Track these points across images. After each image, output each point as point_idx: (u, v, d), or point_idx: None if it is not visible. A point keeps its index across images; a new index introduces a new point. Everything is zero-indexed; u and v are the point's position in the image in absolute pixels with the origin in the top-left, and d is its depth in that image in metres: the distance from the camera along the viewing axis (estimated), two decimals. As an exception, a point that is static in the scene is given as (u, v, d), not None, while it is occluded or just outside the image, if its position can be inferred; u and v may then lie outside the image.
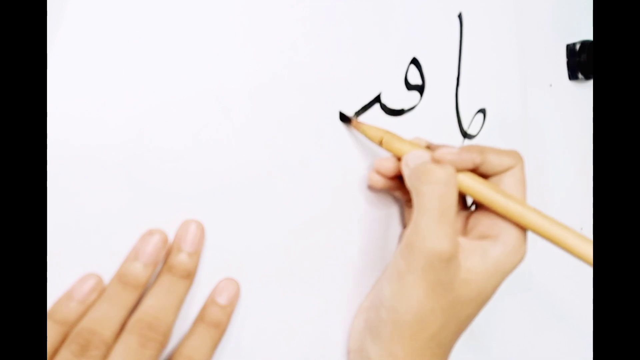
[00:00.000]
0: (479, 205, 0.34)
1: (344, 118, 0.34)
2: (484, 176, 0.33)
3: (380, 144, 0.34)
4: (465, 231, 0.34)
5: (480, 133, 0.43)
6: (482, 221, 0.33)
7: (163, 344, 0.26)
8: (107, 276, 0.27)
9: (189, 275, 0.28)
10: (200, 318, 0.29)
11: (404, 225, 0.38)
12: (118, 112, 0.27)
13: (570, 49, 0.53)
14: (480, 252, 0.31)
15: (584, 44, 0.52)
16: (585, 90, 0.53)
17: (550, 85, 0.50)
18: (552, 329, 0.48)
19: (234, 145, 0.30)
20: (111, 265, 0.27)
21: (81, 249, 0.26)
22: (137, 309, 0.27)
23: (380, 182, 0.35)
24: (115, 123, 0.27)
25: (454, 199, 0.30)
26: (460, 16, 0.41)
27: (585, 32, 0.54)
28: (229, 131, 0.30)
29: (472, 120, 0.42)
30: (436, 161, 0.31)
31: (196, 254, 0.28)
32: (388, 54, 0.37)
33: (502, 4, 0.45)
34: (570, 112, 0.51)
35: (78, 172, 0.26)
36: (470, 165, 0.32)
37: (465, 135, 0.42)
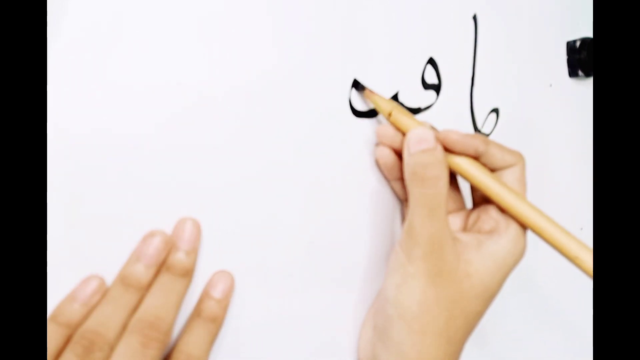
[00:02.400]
0: (477, 204, 0.35)
1: (357, 85, 0.35)
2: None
3: (389, 116, 0.34)
4: (465, 227, 0.35)
5: (494, 132, 0.43)
6: (481, 218, 0.34)
7: (165, 343, 0.27)
8: (108, 277, 0.27)
9: (187, 274, 0.28)
10: (197, 313, 0.29)
11: (404, 219, 0.38)
12: (118, 112, 0.27)
13: (570, 46, 0.52)
14: (477, 244, 0.32)
15: (584, 41, 0.52)
16: (585, 87, 0.53)
17: (551, 86, 0.49)
18: (551, 329, 0.48)
19: (234, 144, 0.30)
20: (112, 266, 0.27)
21: (82, 251, 0.26)
22: (137, 309, 0.27)
23: (385, 157, 0.34)
24: (115, 123, 0.27)
25: (443, 198, 0.31)
26: (475, 18, 0.42)
27: (585, 29, 0.54)
28: (231, 129, 0.30)
29: (485, 120, 0.43)
30: (439, 142, 0.31)
31: (193, 252, 0.28)
32: (406, 55, 0.38)
33: (511, 3, 0.46)
34: (570, 109, 0.51)
35: (78, 173, 0.26)
36: (473, 152, 0.32)
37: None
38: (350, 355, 0.35)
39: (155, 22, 0.28)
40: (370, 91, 0.34)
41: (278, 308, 0.32)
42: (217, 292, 0.29)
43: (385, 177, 0.36)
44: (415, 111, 0.38)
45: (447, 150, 0.32)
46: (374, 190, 0.36)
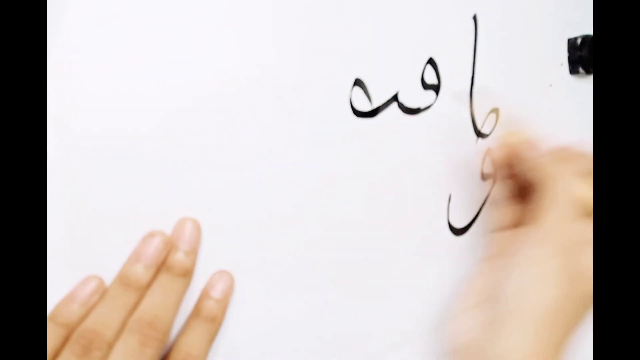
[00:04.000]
0: None
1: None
2: None
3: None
4: None
5: (494, 132, 0.43)
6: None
7: (163, 342, 0.27)
8: (108, 277, 0.27)
9: (187, 274, 0.28)
10: (196, 313, 0.29)
11: (508, 224, 0.36)
12: (118, 111, 0.27)
13: (571, 43, 0.52)
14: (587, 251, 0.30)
15: (585, 38, 0.52)
16: (586, 85, 0.53)
17: (551, 85, 0.49)
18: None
19: (234, 144, 0.30)
20: (112, 266, 0.27)
21: (82, 251, 0.26)
22: (137, 309, 0.27)
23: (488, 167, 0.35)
24: (115, 123, 0.27)
25: (589, 194, 0.30)
26: (475, 18, 0.42)
27: (586, 26, 0.54)
28: (230, 129, 0.30)
29: (485, 120, 0.42)
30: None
31: (193, 253, 0.28)
32: (405, 55, 0.37)
33: (511, 2, 0.45)
34: (571, 107, 0.51)
35: (78, 173, 0.26)
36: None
37: (479, 134, 0.42)
38: (350, 355, 0.35)
39: (156, 23, 0.28)
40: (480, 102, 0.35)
41: (278, 308, 0.32)
42: (217, 292, 0.29)
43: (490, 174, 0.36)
44: (415, 111, 0.38)
45: None
46: (374, 190, 0.36)
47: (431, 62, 0.39)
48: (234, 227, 0.30)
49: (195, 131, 0.29)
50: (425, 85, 0.39)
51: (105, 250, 0.27)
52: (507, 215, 0.36)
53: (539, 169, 0.32)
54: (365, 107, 0.35)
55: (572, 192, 0.30)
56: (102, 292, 0.26)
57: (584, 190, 0.31)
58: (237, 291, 0.30)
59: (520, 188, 0.35)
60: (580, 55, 0.52)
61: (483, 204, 0.36)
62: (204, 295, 0.29)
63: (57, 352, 0.25)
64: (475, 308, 0.33)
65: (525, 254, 0.30)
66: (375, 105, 0.36)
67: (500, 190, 0.36)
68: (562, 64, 0.51)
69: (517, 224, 0.35)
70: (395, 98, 0.37)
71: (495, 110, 0.43)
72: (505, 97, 0.44)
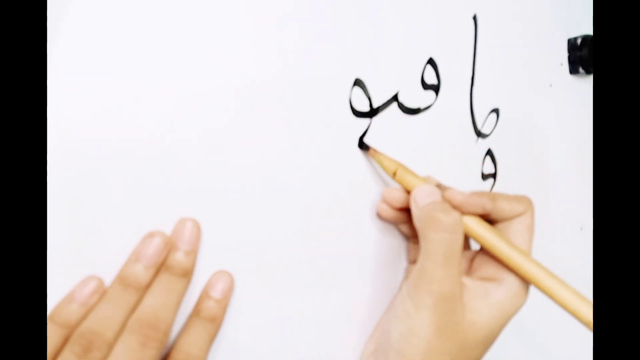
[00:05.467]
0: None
1: (362, 145, 0.35)
2: (493, 221, 0.33)
3: (394, 175, 0.34)
4: (470, 271, 0.35)
5: (494, 132, 0.43)
6: (487, 263, 0.33)
7: (163, 343, 0.27)
8: (108, 278, 0.27)
9: (187, 274, 0.28)
10: (196, 313, 0.29)
11: (410, 259, 0.38)
12: (117, 112, 0.27)
13: (571, 43, 0.52)
14: (484, 293, 0.32)
15: (585, 38, 0.52)
16: (586, 85, 0.53)
17: (551, 85, 0.49)
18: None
19: (234, 145, 0.30)
20: (112, 266, 0.27)
21: (82, 251, 0.26)
22: (136, 309, 0.27)
23: (388, 212, 0.35)
24: (115, 123, 0.27)
25: (459, 245, 0.31)
26: (474, 18, 0.42)
27: (586, 26, 0.54)
28: (231, 130, 0.30)
29: (485, 120, 0.42)
30: (446, 202, 0.32)
31: (193, 253, 0.28)
32: (405, 55, 0.38)
33: (511, 1, 0.46)
34: (571, 107, 0.51)
35: (78, 173, 0.26)
36: (480, 211, 0.32)
37: (479, 134, 0.42)
38: (350, 356, 0.35)
39: (157, 23, 0.28)
40: (375, 150, 0.35)
41: (278, 308, 0.32)
42: (216, 292, 0.29)
43: (390, 223, 0.36)
44: (415, 111, 0.38)
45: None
46: (373, 191, 0.36)
47: (431, 62, 0.39)
48: (234, 227, 0.30)
49: (195, 131, 0.29)
50: (425, 86, 0.39)
51: (105, 251, 0.27)
52: (412, 250, 0.37)
53: (416, 221, 0.32)
54: (365, 107, 0.35)
55: (442, 245, 0.30)
56: (102, 293, 0.26)
57: (468, 229, 0.32)
58: (237, 291, 0.30)
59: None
60: (580, 55, 0.52)
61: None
62: (204, 295, 0.29)
63: (57, 353, 0.25)
64: (373, 354, 0.34)
65: (402, 304, 0.31)
66: (375, 105, 0.36)
67: (404, 229, 0.37)
68: (562, 64, 0.51)
69: (414, 260, 0.37)
70: (395, 98, 0.37)
71: (495, 111, 0.43)
72: (505, 98, 0.44)
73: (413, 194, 0.33)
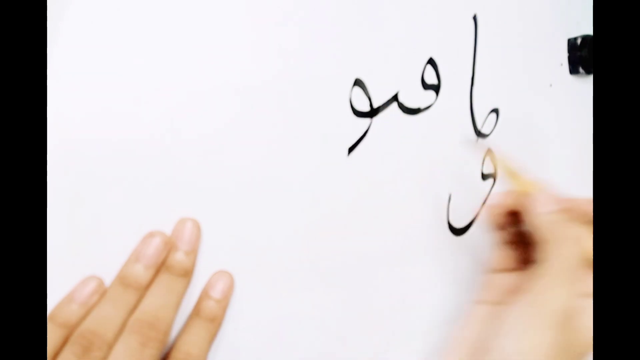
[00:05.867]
0: None
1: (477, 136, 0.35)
2: None
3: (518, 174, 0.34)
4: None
5: (493, 132, 0.43)
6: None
7: (163, 343, 0.27)
8: (108, 278, 0.27)
9: (187, 274, 0.28)
10: (196, 313, 0.29)
11: (499, 267, 0.36)
12: (117, 111, 0.27)
13: (571, 43, 0.52)
14: (582, 308, 0.30)
15: (585, 38, 0.52)
16: (586, 85, 0.53)
17: (551, 85, 0.49)
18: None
19: (234, 145, 0.30)
20: (112, 266, 0.27)
21: (82, 251, 0.26)
22: (136, 309, 0.27)
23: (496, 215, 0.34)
24: (114, 123, 0.27)
25: (581, 263, 0.30)
26: (475, 18, 0.42)
27: (586, 26, 0.54)
28: (231, 130, 0.30)
29: (485, 120, 0.43)
30: (572, 211, 0.31)
31: (193, 253, 0.28)
32: (405, 55, 0.38)
33: (511, 1, 0.46)
34: (571, 107, 0.51)
35: (78, 173, 0.26)
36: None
37: (479, 134, 0.42)
38: (350, 355, 0.35)
39: (157, 23, 0.28)
40: (492, 151, 0.35)
41: (278, 308, 0.32)
42: (217, 292, 0.29)
43: (492, 225, 0.36)
44: (415, 111, 0.38)
45: None
46: (374, 189, 0.36)
47: (431, 62, 0.39)
48: (234, 227, 0.30)
49: (195, 131, 0.29)
50: (425, 85, 0.39)
51: (105, 251, 0.27)
52: (507, 258, 0.36)
53: (541, 229, 0.31)
54: (365, 107, 0.35)
55: (569, 260, 0.30)
56: (102, 293, 0.26)
57: (588, 248, 0.31)
58: (237, 291, 0.30)
59: (522, 236, 0.35)
60: (580, 55, 0.52)
61: (483, 204, 0.36)
62: (204, 295, 0.29)
63: (57, 353, 0.25)
64: None
65: (519, 320, 0.30)
66: (376, 105, 0.36)
67: (502, 234, 0.36)
68: (562, 64, 0.51)
69: (516, 268, 0.35)
70: (395, 98, 0.37)
71: (495, 111, 0.43)
72: (505, 98, 0.44)
73: (537, 199, 0.32)
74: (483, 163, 0.37)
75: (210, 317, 0.29)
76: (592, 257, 0.31)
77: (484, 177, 0.43)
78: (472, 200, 0.38)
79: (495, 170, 0.34)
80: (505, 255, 0.36)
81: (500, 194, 0.34)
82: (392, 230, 0.37)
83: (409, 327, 0.37)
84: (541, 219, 0.31)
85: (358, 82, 0.35)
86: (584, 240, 0.30)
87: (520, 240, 0.35)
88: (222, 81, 0.30)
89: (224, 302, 0.29)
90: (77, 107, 0.26)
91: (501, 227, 0.35)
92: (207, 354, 0.28)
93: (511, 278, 0.34)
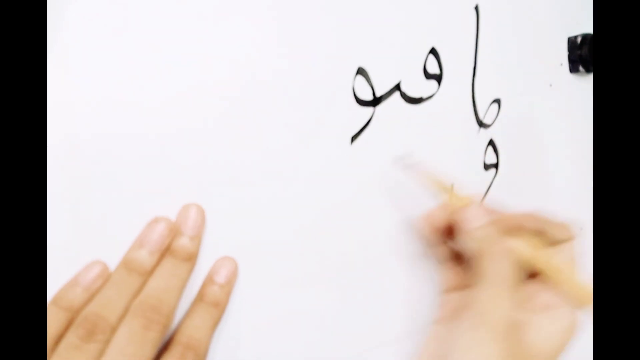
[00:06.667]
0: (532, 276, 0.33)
1: (405, 162, 0.35)
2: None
3: (447, 192, 0.34)
4: (526, 300, 0.33)
5: (495, 123, 0.43)
6: (541, 291, 0.32)
7: (166, 326, 0.27)
8: (111, 266, 0.27)
9: (191, 258, 0.28)
10: (200, 298, 0.29)
11: (446, 287, 0.36)
12: (118, 105, 0.27)
13: (571, 42, 0.52)
14: (538, 325, 0.31)
15: (585, 37, 0.52)
16: (586, 83, 0.53)
17: (551, 85, 0.49)
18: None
19: (239, 135, 0.30)
20: (115, 256, 0.27)
21: (84, 240, 0.26)
22: (140, 292, 0.27)
23: (428, 231, 0.35)
24: (115, 114, 0.27)
25: (519, 273, 0.30)
26: (476, 8, 0.42)
27: (587, 25, 0.54)
28: (234, 119, 0.30)
29: (487, 110, 0.43)
30: (499, 225, 0.31)
31: (197, 237, 0.28)
32: (408, 44, 0.38)
33: (511, 2, 0.46)
34: (571, 106, 0.51)
35: (80, 163, 0.26)
36: (532, 235, 0.32)
37: (480, 124, 0.42)
38: (350, 354, 0.35)
39: (157, 21, 0.28)
40: (424, 170, 0.34)
41: (281, 302, 0.32)
42: (220, 278, 0.29)
43: (426, 241, 0.36)
44: (417, 101, 0.38)
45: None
46: (378, 182, 0.36)
47: (433, 52, 0.39)
48: (237, 216, 0.30)
49: (199, 120, 0.29)
50: (428, 75, 0.39)
51: (108, 242, 0.27)
52: (452, 276, 0.36)
53: (473, 245, 0.32)
54: (368, 96, 0.35)
55: (504, 273, 0.30)
56: (106, 278, 0.26)
57: (521, 253, 0.31)
58: (240, 284, 0.30)
59: (460, 252, 0.35)
60: (581, 54, 0.52)
61: (485, 195, 0.36)
62: (208, 280, 0.29)
63: (61, 336, 0.25)
64: None
65: (466, 335, 0.30)
66: (378, 94, 0.36)
67: (442, 252, 0.36)
68: (562, 64, 0.51)
69: (463, 285, 0.36)
70: (397, 87, 0.37)
71: (497, 101, 0.43)
72: (505, 93, 0.44)
73: (465, 215, 0.32)
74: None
75: (214, 302, 0.29)
76: (530, 266, 0.31)
77: (487, 167, 0.43)
78: (474, 189, 0.38)
79: (427, 186, 0.34)
80: (451, 274, 0.36)
81: (434, 209, 0.34)
82: (396, 226, 0.37)
83: (401, 326, 0.37)
84: (472, 235, 0.32)
85: (361, 71, 0.35)
86: (516, 251, 0.31)
87: (460, 257, 0.36)
88: (224, 72, 0.30)
89: (228, 288, 0.29)
90: (76, 101, 0.26)
91: (437, 243, 0.36)
92: (210, 338, 0.28)
93: (460, 295, 0.35)
